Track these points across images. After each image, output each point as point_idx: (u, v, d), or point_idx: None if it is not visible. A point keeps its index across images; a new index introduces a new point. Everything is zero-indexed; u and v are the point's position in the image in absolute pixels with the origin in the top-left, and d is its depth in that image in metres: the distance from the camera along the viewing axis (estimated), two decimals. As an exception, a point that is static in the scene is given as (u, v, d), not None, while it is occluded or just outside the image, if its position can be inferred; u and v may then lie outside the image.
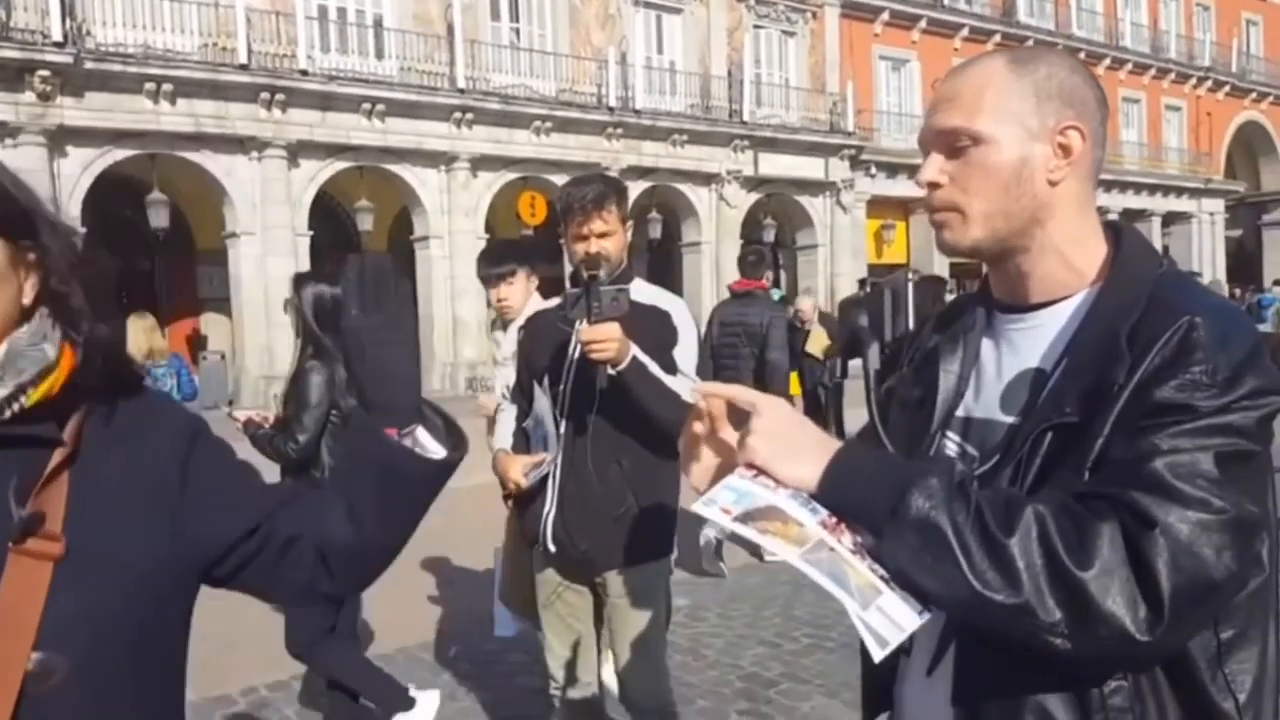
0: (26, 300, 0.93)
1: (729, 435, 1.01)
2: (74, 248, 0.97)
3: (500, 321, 3.43)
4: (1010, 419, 1.03)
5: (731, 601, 4.86)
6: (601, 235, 2.31)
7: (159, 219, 14.19)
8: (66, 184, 13.22)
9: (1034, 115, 1.00)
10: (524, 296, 3.36)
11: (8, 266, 0.91)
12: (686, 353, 2.35)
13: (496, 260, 3.41)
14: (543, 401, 2.38)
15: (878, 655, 0.88)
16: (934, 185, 1.04)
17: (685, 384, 2.29)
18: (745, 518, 0.90)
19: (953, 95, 1.03)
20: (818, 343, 8.65)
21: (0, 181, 0.93)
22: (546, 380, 2.40)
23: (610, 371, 2.15)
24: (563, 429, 2.35)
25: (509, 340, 3.12)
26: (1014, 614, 0.85)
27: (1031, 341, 1.04)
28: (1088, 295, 1.01)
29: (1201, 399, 0.87)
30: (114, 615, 0.92)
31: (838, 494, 0.93)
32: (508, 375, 2.95)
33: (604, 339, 2.09)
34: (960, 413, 1.09)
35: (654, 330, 2.31)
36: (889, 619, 0.88)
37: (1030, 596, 0.84)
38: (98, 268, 1.00)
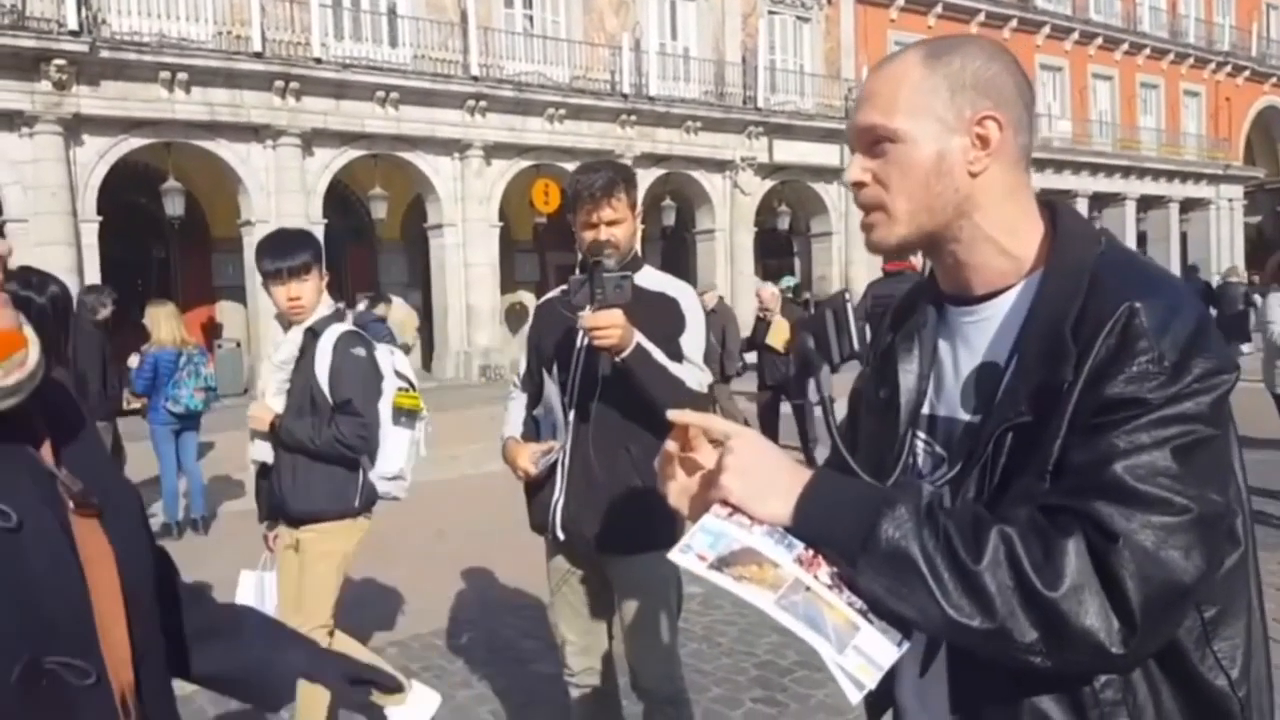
0: None
1: (706, 456, 1.02)
2: None
3: (284, 322, 2.95)
4: (968, 416, 1.03)
5: (745, 590, 4.87)
6: (611, 223, 2.30)
7: (174, 207, 14.26)
8: (82, 172, 13.31)
9: (948, 108, 0.99)
10: (317, 295, 2.89)
11: None
12: (694, 339, 2.34)
13: (288, 252, 2.83)
14: (551, 389, 2.38)
15: (854, 698, 0.90)
16: (858, 185, 1.04)
17: (692, 371, 2.27)
18: (721, 563, 0.92)
19: (871, 93, 1.03)
20: (779, 335, 8.10)
21: None
22: (555, 368, 2.40)
23: (614, 359, 2.14)
24: (571, 416, 2.34)
25: (290, 343, 2.89)
26: (990, 637, 0.86)
27: (981, 334, 1.04)
28: (1029, 283, 1.01)
29: (1151, 390, 0.87)
30: (145, 555, 1.02)
31: (811, 529, 0.94)
32: (281, 380, 2.88)
33: (607, 325, 2.09)
34: (926, 410, 1.09)
35: (661, 317, 2.30)
36: (866, 658, 0.90)
37: (1005, 620, 0.85)
38: None
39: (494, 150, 16.62)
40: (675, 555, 0.95)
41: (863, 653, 0.90)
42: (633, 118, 17.78)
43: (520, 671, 3.88)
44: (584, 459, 2.32)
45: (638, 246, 2.50)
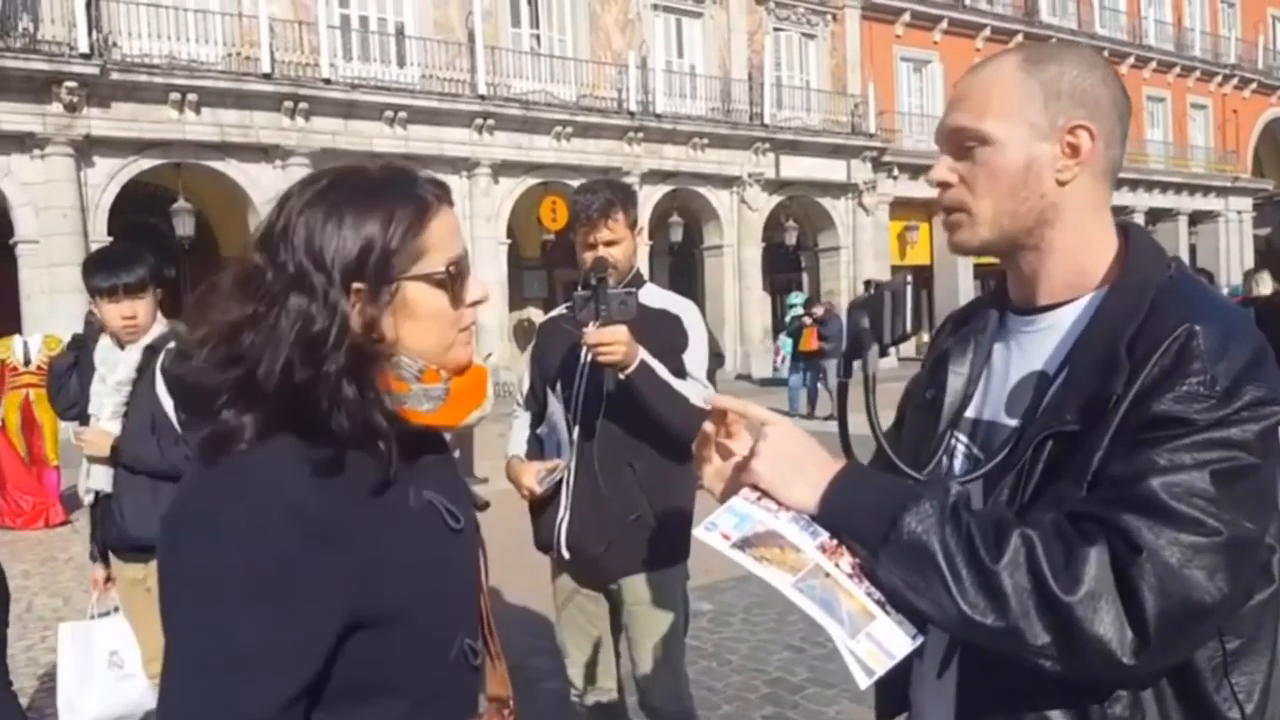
0: None
1: (741, 444, 1.05)
2: None
3: (117, 342, 2.77)
4: (1013, 422, 1.03)
5: (756, 606, 4.80)
6: (609, 243, 2.32)
7: (184, 227, 14.33)
8: (93, 193, 13.40)
9: (1041, 115, 0.99)
10: (151, 314, 2.74)
11: None
12: (697, 356, 2.34)
13: (123, 268, 2.66)
14: (556, 406, 2.37)
15: (863, 683, 0.91)
16: (944, 185, 1.04)
17: (695, 388, 2.27)
18: (744, 544, 0.93)
19: (964, 95, 1.03)
20: None
21: None
22: (559, 385, 2.39)
23: (619, 375, 2.14)
24: (575, 434, 2.34)
25: (127, 363, 2.73)
26: (1002, 636, 0.87)
27: (1038, 344, 1.04)
28: (1094, 298, 1.01)
29: (1199, 411, 0.86)
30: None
31: (835, 518, 0.96)
32: (119, 402, 2.74)
33: (611, 341, 2.10)
34: (969, 414, 1.10)
35: (664, 334, 2.30)
36: (879, 646, 0.91)
37: (1018, 620, 0.86)
38: None
39: (501, 168, 16.69)
40: (700, 532, 0.96)
41: (875, 640, 0.91)
42: (640, 135, 17.84)
43: (529, 689, 3.81)
44: (589, 477, 2.31)
45: (641, 264, 2.49)
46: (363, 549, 0.89)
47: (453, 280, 0.98)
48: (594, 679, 2.51)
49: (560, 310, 2.55)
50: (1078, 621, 0.84)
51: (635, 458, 2.27)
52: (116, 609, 2.84)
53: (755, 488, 0.98)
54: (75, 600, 5.16)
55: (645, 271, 2.54)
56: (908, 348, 12.36)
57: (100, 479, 2.73)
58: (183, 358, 0.98)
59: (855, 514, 0.94)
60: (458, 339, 1.00)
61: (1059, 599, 0.84)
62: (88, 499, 2.83)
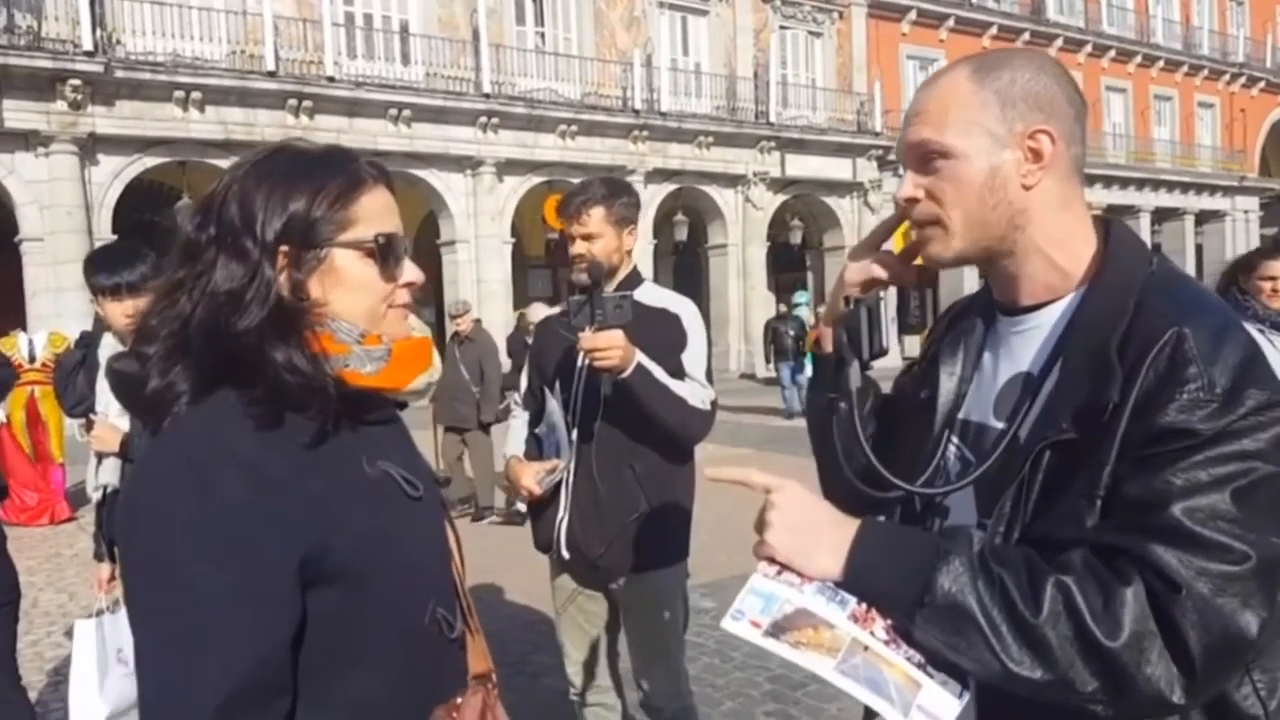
0: None
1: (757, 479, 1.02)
2: None
3: (121, 340, 2.72)
4: (999, 424, 1.03)
5: (762, 606, 4.79)
6: (585, 237, 2.32)
7: (180, 231, 14.29)
8: (98, 191, 13.41)
9: (1000, 123, 0.99)
10: None
11: None
12: (696, 356, 2.33)
13: (124, 267, 2.65)
14: (554, 407, 2.36)
15: None
16: (911, 200, 1.04)
17: (694, 388, 2.26)
18: (775, 629, 0.90)
19: (921, 109, 1.03)
20: None
21: None
22: (557, 387, 2.39)
23: (615, 379, 2.14)
24: (574, 436, 2.34)
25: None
26: (1049, 688, 0.86)
27: (1024, 345, 1.04)
28: (1075, 298, 1.01)
29: (1202, 419, 0.85)
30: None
31: (863, 584, 0.93)
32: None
33: (607, 346, 2.09)
34: (962, 415, 1.10)
35: (662, 334, 2.29)
36: (930, 716, 0.89)
37: (1065, 672, 0.85)
38: None
39: (506, 167, 16.67)
40: (728, 624, 0.92)
41: (926, 711, 0.89)
42: (645, 133, 17.82)
43: (531, 686, 3.82)
44: (588, 478, 2.31)
45: (645, 263, 2.46)
46: (312, 498, 0.90)
47: (381, 253, 1.00)
48: (593, 678, 2.51)
49: (557, 310, 2.55)
50: (1124, 667, 0.84)
51: (635, 459, 2.27)
52: (118, 603, 2.83)
53: (773, 560, 0.95)
54: (80, 596, 5.16)
55: (650, 270, 2.52)
56: (911, 345, 12.29)
57: (109, 474, 2.74)
58: (127, 356, 1.00)
59: (884, 578, 0.92)
60: (389, 314, 1.03)
61: (1103, 645, 0.84)
62: (96, 495, 2.83)
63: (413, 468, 1.04)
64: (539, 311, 7.27)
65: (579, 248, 2.32)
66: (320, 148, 1.05)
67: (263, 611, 0.86)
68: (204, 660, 0.83)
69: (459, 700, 1.02)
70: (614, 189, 2.41)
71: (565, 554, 2.35)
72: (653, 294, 2.40)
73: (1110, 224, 1.05)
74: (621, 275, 2.38)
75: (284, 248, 0.96)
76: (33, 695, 2.99)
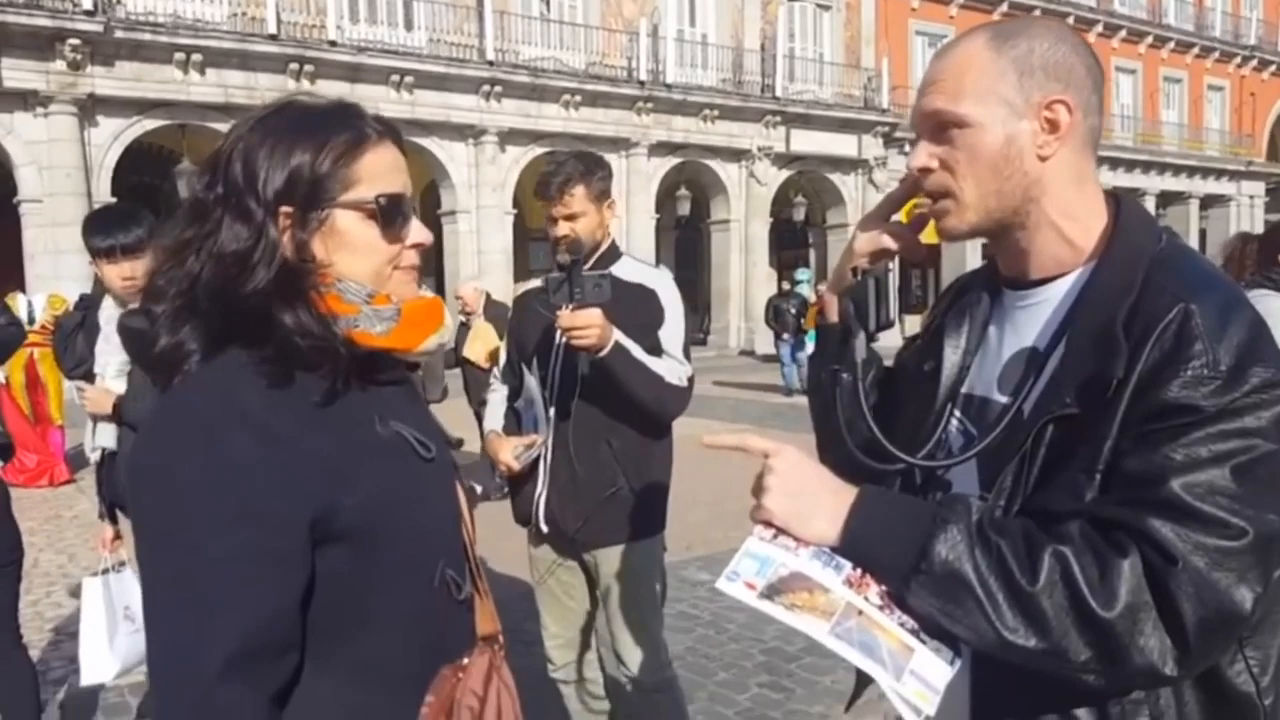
0: None
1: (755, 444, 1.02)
2: None
3: (119, 302, 2.76)
4: (1004, 399, 1.03)
5: (755, 579, 4.84)
6: (569, 218, 2.31)
7: (188, 189, 14.22)
8: (97, 153, 13.32)
9: (1016, 93, 0.98)
10: None
11: None
12: (673, 332, 2.33)
13: (120, 229, 2.66)
14: (533, 383, 2.37)
15: None
16: (925, 170, 1.03)
17: (672, 365, 2.27)
18: (771, 591, 0.90)
19: (936, 77, 1.02)
20: (482, 343, 6.10)
21: None
22: (535, 363, 2.40)
23: (592, 357, 2.14)
24: (552, 411, 2.35)
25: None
26: (1042, 657, 0.87)
27: (1030, 319, 1.04)
28: (1083, 272, 1.00)
29: (1206, 395, 0.85)
30: None
31: (859, 549, 0.93)
32: (123, 361, 2.72)
33: (585, 325, 2.09)
34: (965, 389, 1.10)
35: (640, 310, 2.29)
36: (922, 682, 0.90)
37: (1059, 641, 0.86)
38: None
39: (508, 136, 16.55)
40: (723, 584, 0.92)
41: (919, 677, 0.90)
42: (649, 105, 17.66)
43: (526, 653, 3.83)
44: (565, 454, 2.32)
45: (647, 239, 2.46)
46: (323, 458, 0.90)
47: (384, 213, 0.98)
48: (571, 654, 2.54)
49: (535, 284, 2.51)
50: (1118, 637, 0.84)
51: (611, 435, 2.28)
52: (124, 564, 2.86)
53: (769, 524, 0.95)
54: (80, 558, 5.20)
55: (651, 245, 2.51)
56: (911, 325, 12.29)
57: (106, 436, 2.76)
58: (139, 314, 1.00)
59: (881, 544, 0.92)
60: (395, 275, 1.01)
61: (1099, 616, 0.84)
62: (94, 456, 2.85)
63: (425, 429, 1.03)
64: (467, 287, 7.15)
65: (562, 229, 2.31)
66: (327, 102, 1.02)
67: (273, 570, 0.86)
68: (212, 619, 0.83)
69: (465, 661, 1.02)
70: (590, 164, 2.39)
71: (544, 527, 2.37)
72: (630, 269, 2.39)
73: (1120, 199, 1.04)
74: (602, 249, 2.37)
75: (286, 208, 0.95)
76: (34, 654, 3.02)
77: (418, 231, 1.02)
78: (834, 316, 1.18)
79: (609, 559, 2.37)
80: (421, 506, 0.99)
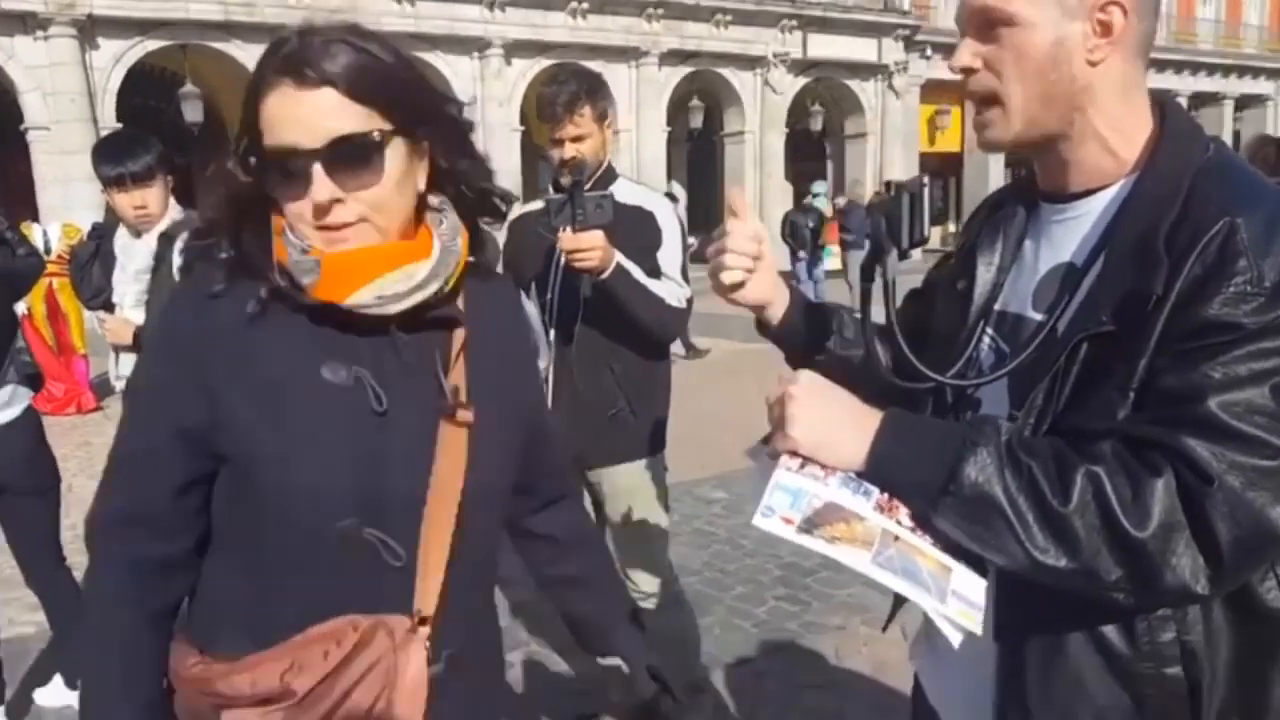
0: (421, 187, 1.03)
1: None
2: (455, 115, 1.06)
3: (133, 231, 2.80)
4: (1038, 316, 1.01)
5: (771, 495, 4.91)
6: (575, 139, 2.29)
7: (193, 113, 14.03)
8: (100, 77, 13.11)
9: None
10: (163, 201, 2.76)
11: (407, 161, 0.98)
12: (671, 254, 2.32)
13: (128, 156, 2.65)
14: (532, 309, 2.37)
15: (958, 642, 0.90)
16: (968, 70, 1.00)
17: (671, 287, 2.28)
18: (808, 525, 0.89)
19: None
20: None
21: (401, 77, 0.98)
22: (534, 289, 2.39)
23: (595, 279, 2.13)
24: (552, 336, 2.35)
25: (144, 251, 2.75)
26: (1074, 576, 0.86)
27: (1068, 234, 1.01)
28: (1126, 184, 0.97)
29: (1248, 312, 0.83)
30: (503, 484, 1.10)
31: (886, 473, 0.92)
32: (139, 291, 2.77)
33: (588, 247, 2.07)
34: (999, 306, 1.08)
35: (638, 232, 2.28)
36: (964, 601, 0.89)
37: (1090, 560, 0.85)
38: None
39: (514, 49, 16.10)
40: (760, 521, 0.91)
41: (960, 596, 0.89)
42: (660, 11, 17.07)
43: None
44: (568, 377, 2.33)
45: (658, 152, 2.41)
46: (209, 379, 0.99)
47: (263, 174, 0.96)
48: None
49: (530, 207, 2.45)
50: (1151, 556, 0.83)
51: (614, 359, 2.30)
52: None
53: (794, 454, 0.93)
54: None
55: (663, 159, 2.46)
56: (933, 242, 12.03)
57: (129, 366, 2.80)
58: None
59: (908, 468, 0.91)
60: (314, 234, 0.96)
61: (1131, 535, 0.83)
62: (119, 385, 2.89)
63: (401, 385, 1.00)
64: None
65: (570, 150, 2.28)
66: (281, 33, 0.96)
67: (145, 464, 1.03)
68: (106, 494, 1.06)
69: (360, 622, 0.97)
70: (592, 82, 2.36)
71: None
72: (627, 191, 2.36)
73: (1166, 105, 1.00)
74: (600, 171, 2.34)
75: (250, 159, 0.98)
76: (76, 575, 3.14)
77: (319, 188, 0.92)
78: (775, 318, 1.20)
79: (612, 478, 2.42)
80: (342, 452, 0.97)
